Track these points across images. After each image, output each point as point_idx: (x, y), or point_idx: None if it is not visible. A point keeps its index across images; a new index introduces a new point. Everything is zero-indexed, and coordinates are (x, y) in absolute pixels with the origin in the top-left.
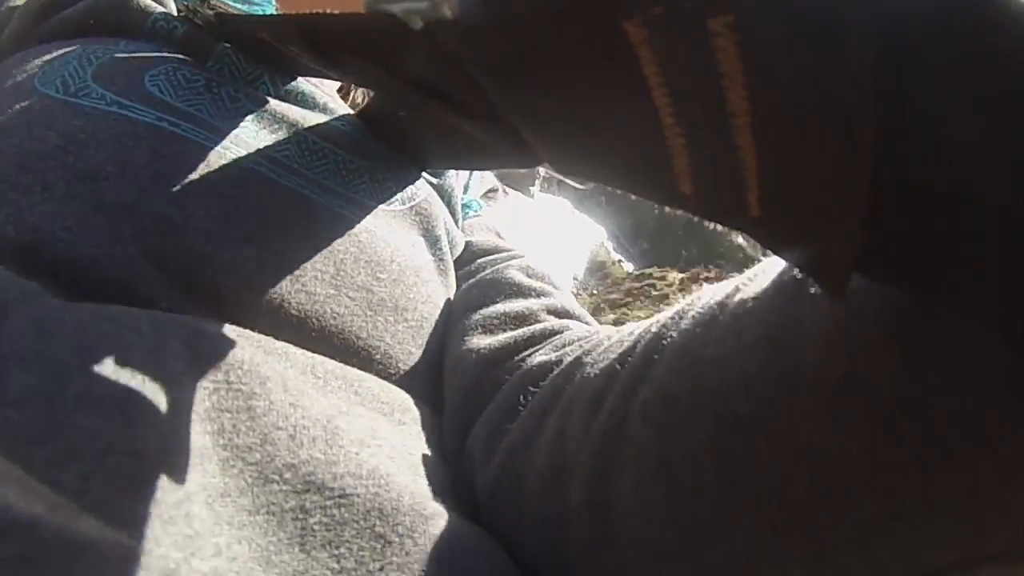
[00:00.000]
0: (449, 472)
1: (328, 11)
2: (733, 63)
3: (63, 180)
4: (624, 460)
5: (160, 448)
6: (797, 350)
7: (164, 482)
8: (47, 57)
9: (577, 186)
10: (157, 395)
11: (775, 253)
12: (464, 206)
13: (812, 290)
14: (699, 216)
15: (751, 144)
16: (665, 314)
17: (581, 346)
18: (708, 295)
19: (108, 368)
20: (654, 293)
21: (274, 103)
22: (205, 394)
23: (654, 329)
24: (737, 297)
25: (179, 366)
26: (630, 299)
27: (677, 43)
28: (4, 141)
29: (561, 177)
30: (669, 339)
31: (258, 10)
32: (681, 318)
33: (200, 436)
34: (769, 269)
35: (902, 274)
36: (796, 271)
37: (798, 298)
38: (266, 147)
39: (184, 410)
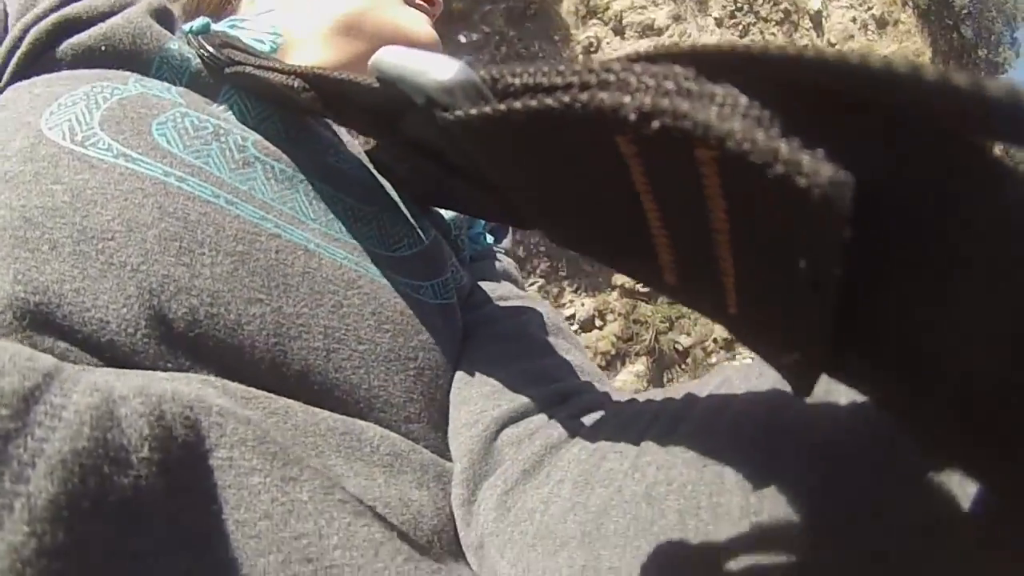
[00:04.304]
0: (450, 516)
1: (336, 74)
2: (716, 190)
3: (70, 239)
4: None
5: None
6: None
7: None
8: (55, 94)
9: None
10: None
11: (749, 349)
12: (472, 238)
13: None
14: (680, 303)
15: (730, 257)
16: (680, 388)
17: (597, 422)
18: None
19: (132, 460)
20: None
21: (282, 149)
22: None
23: (672, 405)
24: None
25: (177, 448)
26: None
27: (665, 162)
28: (11, 193)
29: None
30: (684, 421)
31: (265, 47)
32: (692, 404)
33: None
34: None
35: (864, 384)
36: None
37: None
38: (273, 200)
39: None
